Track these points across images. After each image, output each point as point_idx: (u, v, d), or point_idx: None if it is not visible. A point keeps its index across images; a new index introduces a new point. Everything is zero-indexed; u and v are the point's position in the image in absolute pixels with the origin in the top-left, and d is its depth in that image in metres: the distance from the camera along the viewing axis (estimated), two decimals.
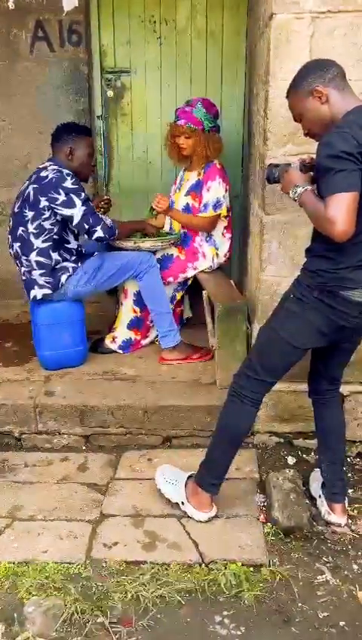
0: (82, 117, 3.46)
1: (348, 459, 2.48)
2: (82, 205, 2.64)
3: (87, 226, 2.68)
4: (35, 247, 2.70)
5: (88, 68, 3.46)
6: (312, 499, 2.21)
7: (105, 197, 3.19)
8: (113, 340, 3.06)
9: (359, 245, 1.74)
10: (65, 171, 2.66)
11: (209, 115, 2.91)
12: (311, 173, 1.86)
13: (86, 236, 2.73)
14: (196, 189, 3.02)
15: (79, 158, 2.77)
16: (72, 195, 2.62)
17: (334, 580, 1.88)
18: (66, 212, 2.64)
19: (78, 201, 2.63)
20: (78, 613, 1.72)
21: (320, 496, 2.16)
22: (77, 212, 2.64)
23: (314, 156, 1.78)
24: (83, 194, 2.66)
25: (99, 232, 2.69)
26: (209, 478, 2.08)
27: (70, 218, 2.65)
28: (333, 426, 2.13)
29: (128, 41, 3.45)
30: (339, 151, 1.61)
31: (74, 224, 2.68)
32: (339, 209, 1.60)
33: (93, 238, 2.72)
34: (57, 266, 2.75)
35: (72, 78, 3.44)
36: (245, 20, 3.31)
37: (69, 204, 2.62)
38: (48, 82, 3.44)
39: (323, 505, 2.13)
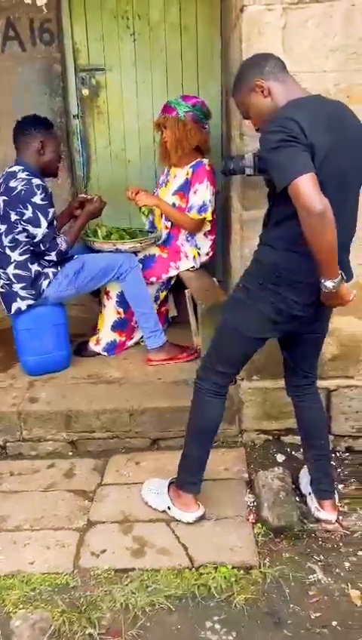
0: (58, 116, 3.40)
1: (337, 454, 2.47)
2: (46, 228, 2.60)
3: (42, 248, 2.66)
4: (12, 261, 2.64)
5: (62, 66, 3.40)
6: (302, 496, 2.19)
7: (90, 197, 2.99)
8: (97, 342, 3.02)
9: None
10: (35, 182, 2.58)
11: (185, 103, 2.85)
12: None
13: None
14: (184, 189, 2.97)
15: (51, 153, 2.71)
16: (39, 214, 2.57)
17: (325, 579, 1.86)
18: (31, 230, 2.60)
19: (43, 222, 2.59)
20: (66, 625, 1.69)
21: (309, 494, 2.14)
22: (39, 233, 2.60)
23: None
24: (50, 212, 2.61)
25: (52, 257, 2.69)
26: (188, 478, 2.06)
27: (33, 235, 2.61)
28: (313, 423, 2.10)
29: (101, 38, 3.40)
30: (279, 141, 1.59)
31: (34, 242, 2.64)
32: (309, 192, 1.54)
33: (45, 258, 2.70)
34: (37, 276, 2.70)
35: (46, 77, 3.38)
36: (218, 12, 3.27)
37: (35, 222, 2.58)
38: (22, 82, 3.37)
39: (312, 502, 2.11)
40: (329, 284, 1.66)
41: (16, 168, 2.65)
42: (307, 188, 1.54)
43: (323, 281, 1.67)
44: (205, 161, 2.94)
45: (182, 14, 3.36)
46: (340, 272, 1.68)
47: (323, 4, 2.05)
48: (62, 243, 2.70)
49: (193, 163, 2.94)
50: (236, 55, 2.28)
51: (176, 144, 2.89)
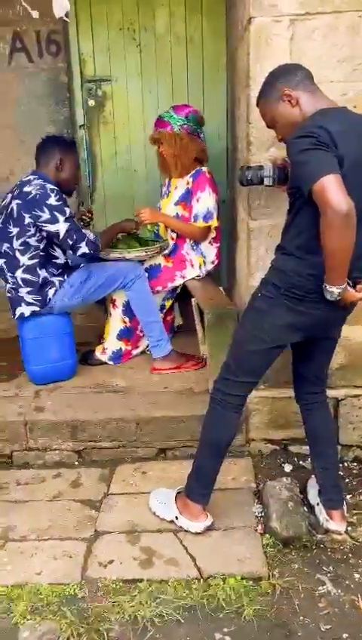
0: (64, 127, 3.43)
1: (345, 464, 2.45)
2: (65, 222, 2.60)
3: (70, 242, 2.65)
4: (21, 264, 2.66)
5: (68, 77, 3.43)
6: (311, 506, 2.16)
7: (87, 210, 3.15)
8: (103, 351, 3.01)
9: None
10: (49, 187, 2.62)
11: (177, 115, 2.87)
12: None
13: (71, 252, 2.71)
14: (186, 199, 2.98)
15: (69, 170, 2.76)
16: (56, 212, 2.59)
17: (335, 591, 1.84)
18: (51, 228, 2.61)
19: (61, 218, 2.59)
20: (74, 637, 1.67)
21: (318, 504, 2.12)
22: (61, 228, 2.60)
23: (287, 159, 1.80)
24: (67, 210, 2.63)
25: (83, 248, 2.66)
26: (198, 489, 2.04)
27: (56, 234, 2.62)
28: (322, 431, 2.09)
29: (108, 49, 3.43)
30: (309, 144, 1.61)
31: (59, 240, 2.65)
32: (335, 192, 1.54)
33: (78, 254, 2.69)
34: (45, 283, 2.71)
35: (52, 88, 3.41)
36: (224, 24, 3.30)
37: (53, 220, 2.59)
38: (28, 93, 3.41)
39: (321, 512, 2.09)
40: (334, 290, 1.68)
41: (31, 177, 2.69)
42: (332, 187, 1.54)
43: (328, 287, 1.68)
44: (204, 169, 2.96)
45: (188, 26, 3.39)
46: (347, 280, 1.69)
47: (330, 15, 2.07)
48: (89, 233, 2.70)
49: (193, 172, 2.95)
50: (243, 66, 2.30)
51: (175, 159, 2.92)
